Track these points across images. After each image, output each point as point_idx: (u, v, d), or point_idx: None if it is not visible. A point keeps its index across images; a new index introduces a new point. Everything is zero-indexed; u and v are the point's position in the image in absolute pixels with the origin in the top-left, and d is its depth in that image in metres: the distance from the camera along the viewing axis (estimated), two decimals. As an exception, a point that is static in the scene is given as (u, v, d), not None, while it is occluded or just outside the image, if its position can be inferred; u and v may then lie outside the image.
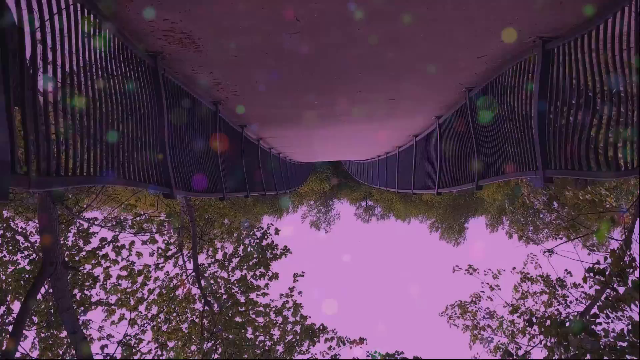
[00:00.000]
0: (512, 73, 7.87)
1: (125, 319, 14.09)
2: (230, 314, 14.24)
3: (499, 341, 15.09)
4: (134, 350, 13.41)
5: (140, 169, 6.34)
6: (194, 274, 15.25)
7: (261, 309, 15.04)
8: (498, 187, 42.98)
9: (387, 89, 10.15)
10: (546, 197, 45.53)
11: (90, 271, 13.68)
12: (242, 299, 14.88)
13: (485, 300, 16.16)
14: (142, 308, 14.67)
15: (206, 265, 15.87)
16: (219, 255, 16.23)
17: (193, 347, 14.17)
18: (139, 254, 14.64)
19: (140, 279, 14.61)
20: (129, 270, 14.35)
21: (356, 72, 8.72)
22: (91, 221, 13.87)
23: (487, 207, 47.74)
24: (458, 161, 11.74)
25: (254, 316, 14.79)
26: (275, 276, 15.62)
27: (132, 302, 14.56)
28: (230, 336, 13.91)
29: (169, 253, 15.11)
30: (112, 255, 13.97)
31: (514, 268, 15.80)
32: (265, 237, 16.17)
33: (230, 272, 15.67)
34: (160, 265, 14.96)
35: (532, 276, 15.44)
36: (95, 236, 13.90)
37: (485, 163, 9.78)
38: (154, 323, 14.54)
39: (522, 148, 7.63)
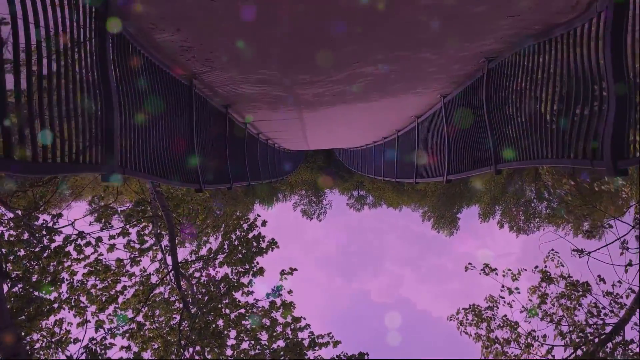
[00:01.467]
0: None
1: (91, 320, 12.42)
2: (209, 319, 12.50)
3: (512, 353, 13.44)
4: (100, 358, 11.70)
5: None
6: (173, 272, 13.46)
7: (244, 310, 13.32)
8: (492, 176, 41.57)
9: (388, 59, 8.48)
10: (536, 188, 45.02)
11: (55, 274, 11.92)
12: (226, 300, 13.11)
13: (502, 306, 14.40)
14: (112, 309, 12.93)
15: (189, 261, 14.12)
16: (204, 251, 14.48)
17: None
18: (111, 248, 12.94)
19: (115, 276, 12.91)
20: (94, 267, 12.61)
21: (353, 38, 7.11)
22: (54, 218, 11.99)
23: (480, 196, 46.38)
24: (470, 143, 10.13)
25: (234, 318, 13.09)
26: (260, 272, 13.92)
27: (102, 301, 12.87)
28: (208, 347, 12.24)
29: (145, 245, 13.32)
30: (77, 253, 12.27)
31: (536, 267, 14.00)
32: (252, 229, 14.43)
33: (215, 270, 13.92)
34: (136, 259, 13.21)
35: (551, 275, 13.69)
36: (60, 234, 12.14)
37: (509, 145, 8.12)
38: (129, 326, 12.82)
39: (578, 130, 5.68)
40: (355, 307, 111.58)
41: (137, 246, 13.26)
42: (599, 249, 12.32)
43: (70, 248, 12.12)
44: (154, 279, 13.69)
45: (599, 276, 12.51)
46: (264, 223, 14.61)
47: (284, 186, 53.42)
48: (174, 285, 13.35)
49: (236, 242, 14.10)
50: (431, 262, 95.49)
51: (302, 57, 8.13)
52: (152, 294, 13.24)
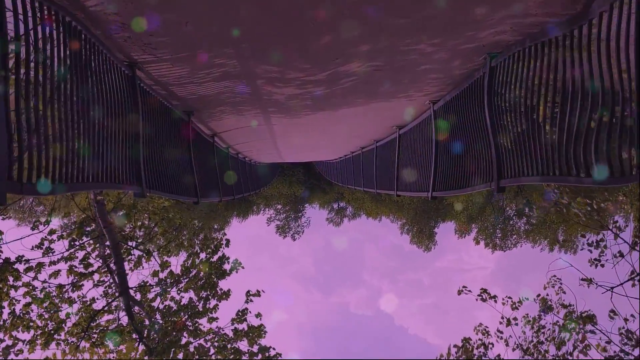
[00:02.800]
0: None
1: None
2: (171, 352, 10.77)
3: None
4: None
5: None
6: (121, 298, 11.66)
7: (208, 338, 11.61)
8: (468, 196, 40.54)
9: (373, 54, 6.94)
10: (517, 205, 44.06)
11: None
12: (189, 325, 11.38)
13: (497, 342, 12.72)
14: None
15: (147, 284, 12.34)
16: (165, 274, 12.67)
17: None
18: (55, 273, 11.25)
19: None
20: (31, 294, 10.87)
21: (334, 29, 5.62)
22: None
23: (455, 214, 45.16)
24: (465, 156, 8.56)
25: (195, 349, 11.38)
26: (225, 295, 12.25)
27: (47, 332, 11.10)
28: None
29: (92, 269, 11.56)
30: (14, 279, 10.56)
31: (539, 295, 12.38)
32: (218, 249, 12.76)
33: (176, 295, 12.17)
34: (78, 284, 11.44)
35: (551, 304, 12.12)
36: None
37: (516, 157, 6.60)
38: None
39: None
40: (334, 320, 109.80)
41: (81, 270, 11.51)
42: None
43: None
44: (101, 304, 11.89)
45: (611, 310, 10.99)
46: (227, 243, 12.94)
47: (260, 199, 51.49)
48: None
49: (200, 266, 12.41)
50: (409, 277, 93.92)
51: (271, 45, 6.56)
52: (95, 323, 11.43)
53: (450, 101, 9.13)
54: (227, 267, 12.51)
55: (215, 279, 12.13)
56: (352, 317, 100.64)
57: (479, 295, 12.72)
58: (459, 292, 13.07)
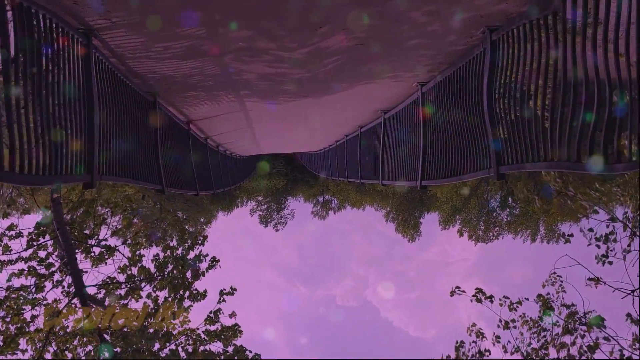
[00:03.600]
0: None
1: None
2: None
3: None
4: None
5: None
6: (78, 299, 10.65)
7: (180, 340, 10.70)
8: (453, 187, 40.03)
9: (359, 25, 6.08)
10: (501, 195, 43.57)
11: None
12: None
13: (494, 346, 11.75)
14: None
15: (114, 282, 11.32)
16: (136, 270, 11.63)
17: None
18: (19, 273, 10.33)
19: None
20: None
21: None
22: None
23: (439, 204, 44.55)
24: (458, 142, 7.72)
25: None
26: (201, 295, 11.36)
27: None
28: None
29: (53, 269, 10.58)
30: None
31: (540, 296, 11.38)
32: (193, 247, 11.78)
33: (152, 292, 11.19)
34: (40, 286, 10.49)
35: (552, 304, 11.18)
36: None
37: (519, 143, 5.79)
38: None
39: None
40: (321, 312, 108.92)
41: (43, 271, 10.57)
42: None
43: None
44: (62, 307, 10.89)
45: (628, 314, 10.11)
46: (203, 241, 11.97)
47: (242, 192, 50.52)
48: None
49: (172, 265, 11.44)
50: (394, 268, 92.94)
51: (241, 11, 5.65)
52: (57, 327, 10.47)
53: (441, 82, 8.26)
54: (204, 265, 11.58)
55: (186, 281, 11.20)
56: (339, 310, 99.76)
57: (473, 296, 11.75)
58: (452, 294, 12.03)
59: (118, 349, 10.25)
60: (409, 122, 10.21)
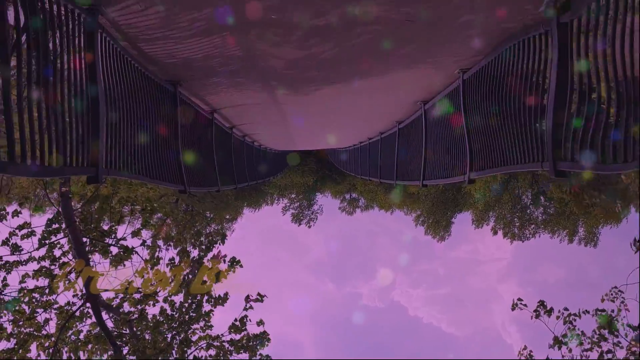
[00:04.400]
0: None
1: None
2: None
3: None
4: None
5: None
6: (89, 304, 9.96)
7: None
8: (485, 182, 38.82)
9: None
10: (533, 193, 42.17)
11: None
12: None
13: None
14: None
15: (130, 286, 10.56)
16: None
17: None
18: (37, 273, 9.71)
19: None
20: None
21: None
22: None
23: (473, 202, 43.26)
24: (507, 132, 6.76)
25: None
26: (221, 300, 10.59)
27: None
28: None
29: (63, 270, 9.85)
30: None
31: (599, 312, 10.17)
32: (212, 246, 11.00)
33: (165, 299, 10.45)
34: (54, 287, 9.82)
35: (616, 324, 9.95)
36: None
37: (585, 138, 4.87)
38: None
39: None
40: (346, 311, 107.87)
41: (57, 272, 9.90)
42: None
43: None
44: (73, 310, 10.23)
45: None
46: (223, 239, 11.14)
47: (272, 189, 50.02)
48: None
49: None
50: (423, 267, 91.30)
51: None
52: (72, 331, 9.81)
53: (486, 66, 7.35)
54: (222, 266, 10.76)
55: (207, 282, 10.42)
56: (365, 309, 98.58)
57: (535, 311, 10.61)
58: (513, 307, 10.86)
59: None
60: (451, 112, 9.27)
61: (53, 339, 9.70)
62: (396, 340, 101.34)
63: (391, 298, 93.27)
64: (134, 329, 9.89)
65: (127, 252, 10.37)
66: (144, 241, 10.64)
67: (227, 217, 43.25)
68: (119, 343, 9.78)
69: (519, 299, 10.54)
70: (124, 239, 10.48)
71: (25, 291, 9.72)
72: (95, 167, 5.26)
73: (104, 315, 10.35)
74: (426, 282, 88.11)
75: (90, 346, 9.98)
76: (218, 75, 8.51)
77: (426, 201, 44.31)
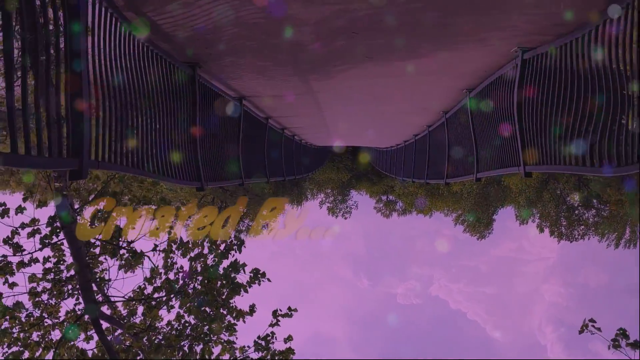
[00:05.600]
0: None
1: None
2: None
3: None
4: None
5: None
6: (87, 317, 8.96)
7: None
8: (522, 178, 37.05)
9: None
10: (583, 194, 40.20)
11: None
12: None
13: None
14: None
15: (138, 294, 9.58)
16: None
17: None
18: (47, 274, 8.84)
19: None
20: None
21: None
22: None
23: (514, 197, 41.55)
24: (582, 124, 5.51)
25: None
26: (240, 314, 9.52)
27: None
28: None
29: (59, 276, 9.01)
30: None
31: None
32: (227, 254, 9.75)
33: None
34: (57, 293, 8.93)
35: None
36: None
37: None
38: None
39: None
40: (381, 309, 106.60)
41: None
42: None
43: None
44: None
45: None
46: (240, 247, 9.81)
47: (312, 184, 49.30)
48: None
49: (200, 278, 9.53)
50: (463, 263, 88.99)
51: None
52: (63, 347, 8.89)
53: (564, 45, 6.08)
54: (242, 278, 9.60)
55: (225, 292, 9.32)
56: (400, 309, 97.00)
57: (613, 341, 9.07)
58: (581, 330, 9.44)
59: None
60: (504, 97, 8.00)
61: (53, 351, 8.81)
62: (437, 333, 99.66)
63: (429, 293, 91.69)
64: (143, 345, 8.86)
65: (137, 257, 9.33)
66: (156, 245, 9.53)
67: (264, 212, 42.30)
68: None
69: (591, 320, 9.09)
70: (133, 241, 9.40)
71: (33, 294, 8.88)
72: (78, 159, 4.21)
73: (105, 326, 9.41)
74: (467, 277, 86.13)
75: None
76: (245, 56, 7.46)
77: (469, 199, 42.65)
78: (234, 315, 9.52)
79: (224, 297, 9.30)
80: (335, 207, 52.20)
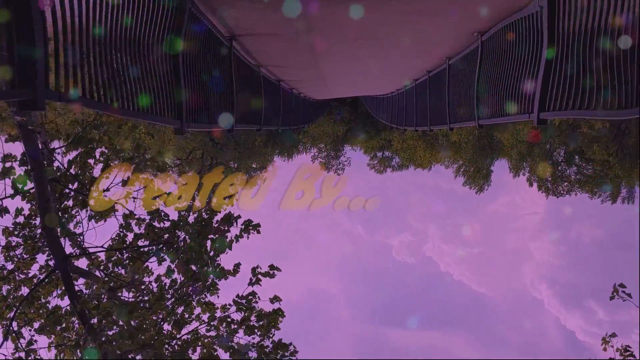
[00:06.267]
0: None
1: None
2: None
3: None
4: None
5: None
6: (59, 272, 8.22)
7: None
8: (513, 131, 37.92)
9: None
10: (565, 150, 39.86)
11: None
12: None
13: None
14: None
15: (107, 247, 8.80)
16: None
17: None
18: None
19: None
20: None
21: None
22: None
23: (506, 150, 41.84)
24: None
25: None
26: (223, 274, 8.78)
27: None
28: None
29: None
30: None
31: None
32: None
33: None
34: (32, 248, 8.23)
35: None
36: None
37: None
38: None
39: None
40: (376, 263, 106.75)
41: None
42: None
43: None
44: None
45: None
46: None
47: (306, 138, 48.21)
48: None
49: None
50: (458, 221, 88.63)
51: None
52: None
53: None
54: (234, 230, 8.77)
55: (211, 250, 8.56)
56: (394, 263, 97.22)
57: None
58: (612, 297, 8.68)
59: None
60: (523, 38, 7.15)
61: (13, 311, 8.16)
62: (426, 292, 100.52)
63: (423, 253, 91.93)
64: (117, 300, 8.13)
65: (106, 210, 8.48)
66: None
67: (254, 165, 41.28)
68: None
69: (621, 285, 8.42)
70: (108, 189, 8.53)
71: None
72: (31, 88, 3.40)
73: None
74: (460, 238, 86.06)
75: (59, 328, 8.43)
76: None
77: (467, 148, 42.36)
78: (217, 271, 8.74)
79: (211, 254, 8.54)
80: (328, 163, 51.46)
